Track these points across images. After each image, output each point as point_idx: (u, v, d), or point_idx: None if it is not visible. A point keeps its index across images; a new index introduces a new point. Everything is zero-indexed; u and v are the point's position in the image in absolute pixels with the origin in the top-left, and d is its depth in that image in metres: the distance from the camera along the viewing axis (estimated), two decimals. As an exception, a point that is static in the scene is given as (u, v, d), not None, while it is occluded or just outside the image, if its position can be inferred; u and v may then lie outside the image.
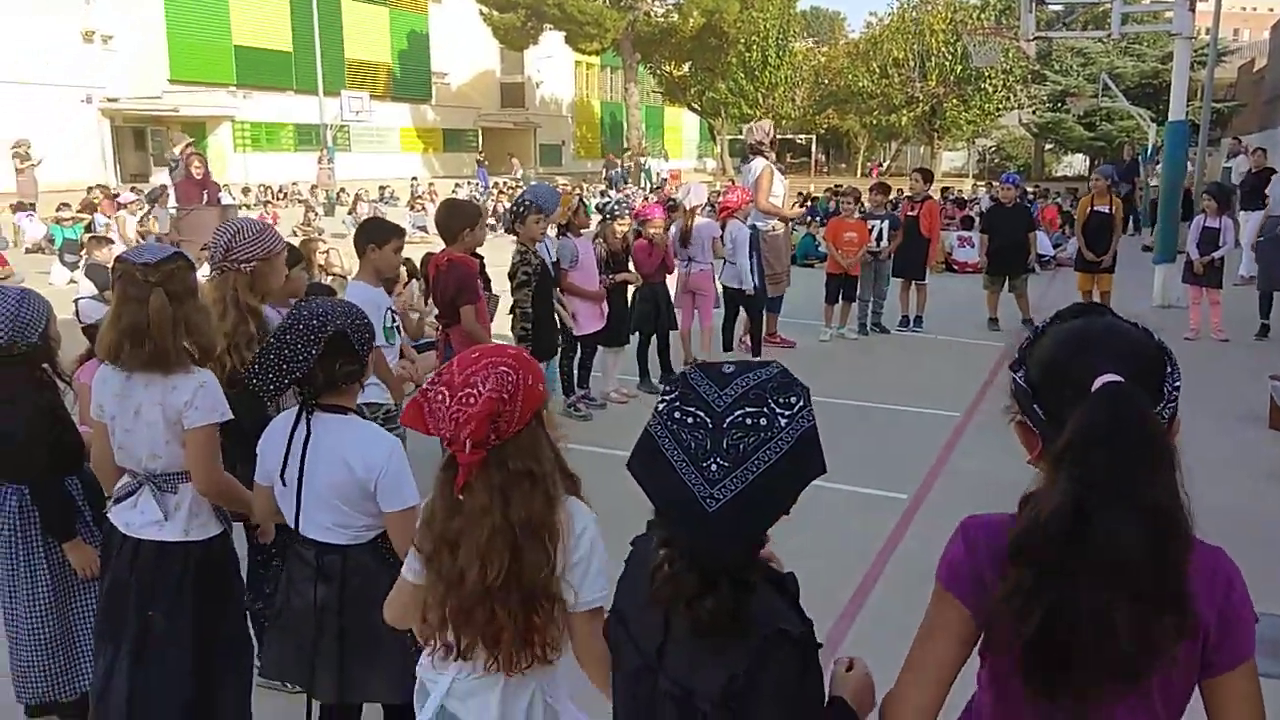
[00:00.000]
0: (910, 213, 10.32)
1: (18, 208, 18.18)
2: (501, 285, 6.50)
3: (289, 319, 2.45)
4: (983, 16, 37.06)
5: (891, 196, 10.72)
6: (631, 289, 7.56)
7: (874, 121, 44.30)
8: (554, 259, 6.63)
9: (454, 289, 5.37)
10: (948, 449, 6.44)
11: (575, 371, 7.22)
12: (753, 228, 8.38)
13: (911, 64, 41.47)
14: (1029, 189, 20.72)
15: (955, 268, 15.05)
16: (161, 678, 2.66)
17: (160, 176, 25.36)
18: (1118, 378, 1.29)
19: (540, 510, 1.81)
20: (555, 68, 47.62)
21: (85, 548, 3.05)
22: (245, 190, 27.32)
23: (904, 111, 42.22)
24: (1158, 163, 16.17)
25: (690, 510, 1.31)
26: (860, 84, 42.66)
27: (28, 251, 16.76)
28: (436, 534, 1.85)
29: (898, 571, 4.58)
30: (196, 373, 2.67)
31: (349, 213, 22.71)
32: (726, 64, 42.71)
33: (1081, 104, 32.34)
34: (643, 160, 37.79)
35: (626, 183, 33.45)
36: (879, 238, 9.88)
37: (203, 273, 3.43)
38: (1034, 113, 41.37)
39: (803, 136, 47.86)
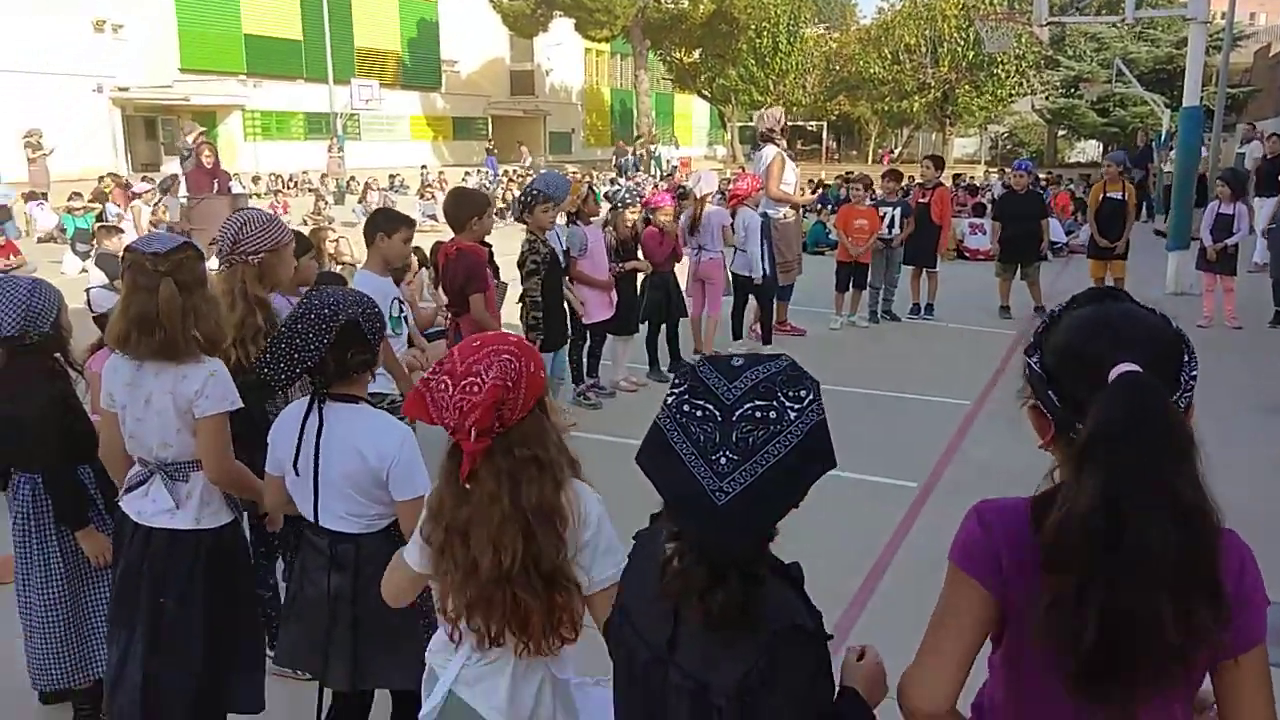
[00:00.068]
0: (921, 200, 10.27)
1: (29, 197, 18.26)
2: (510, 273, 6.49)
3: (300, 308, 2.45)
4: (995, 1, 36.75)
5: (904, 184, 10.65)
6: (641, 277, 7.54)
7: (885, 108, 44.07)
8: (564, 247, 6.63)
9: (463, 278, 5.37)
10: (958, 437, 6.42)
11: (585, 360, 7.21)
12: (764, 215, 8.35)
13: (923, 50, 41.19)
14: (1041, 175, 20.59)
15: (967, 255, 14.97)
16: (174, 664, 2.68)
17: (171, 165, 25.43)
18: (1135, 367, 1.29)
19: (550, 495, 1.82)
20: (565, 55, 47.47)
21: (98, 536, 3.08)
22: (255, 179, 27.36)
23: (916, 98, 41.97)
24: (1171, 149, 16.06)
25: (700, 504, 1.30)
26: (872, 70, 42.40)
27: (40, 241, 16.84)
28: (446, 524, 1.85)
29: (907, 560, 4.58)
30: (207, 362, 2.68)
31: (359, 201, 22.73)
32: (737, 50, 42.49)
33: (1095, 90, 32.14)
34: (653, 148, 37.68)
35: (638, 170, 33.37)
36: (891, 225, 9.84)
37: (211, 265, 3.44)
38: (1047, 99, 41.10)
39: (814, 123, 47.67)
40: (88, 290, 5.23)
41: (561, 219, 6.85)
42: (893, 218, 9.85)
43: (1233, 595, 1.33)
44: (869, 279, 9.94)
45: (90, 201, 17.36)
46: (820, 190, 19.19)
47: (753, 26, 41.71)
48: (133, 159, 30.32)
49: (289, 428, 2.49)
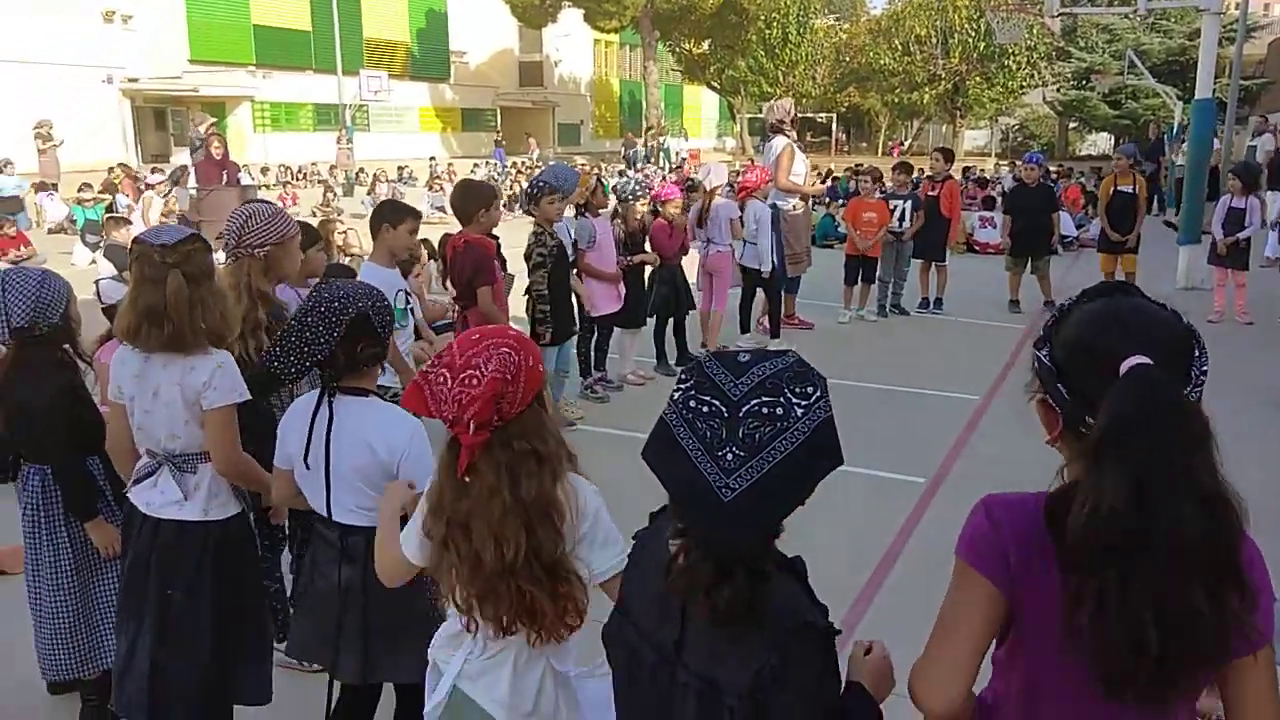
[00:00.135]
0: (931, 193, 10.22)
1: (40, 187, 18.32)
2: (517, 266, 6.49)
3: (310, 301, 2.44)
4: (1007, -8, 36.54)
5: (914, 176, 10.60)
6: (649, 270, 7.53)
7: (895, 100, 43.92)
8: (573, 239, 6.62)
9: (470, 270, 5.37)
10: (967, 432, 6.40)
11: (592, 353, 7.21)
12: (773, 206, 8.32)
13: (934, 41, 41.03)
14: (1052, 168, 20.50)
15: (976, 249, 14.90)
16: (182, 655, 2.69)
17: (181, 157, 25.45)
18: (1146, 360, 1.28)
19: (548, 488, 1.82)
20: (574, 46, 47.40)
21: (107, 527, 3.09)
22: (264, 170, 27.41)
23: (926, 89, 41.81)
24: (1184, 141, 15.96)
25: (706, 500, 1.30)
26: (882, 61, 42.26)
27: (50, 232, 16.90)
28: (447, 517, 1.86)
29: (915, 555, 4.57)
30: (214, 354, 2.68)
31: (368, 193, 22.75)
32: (746, 41, 42.39)
33: (1107, 82, 31.89)
34: (661, 140, 37.63)
35: (649, 161, 33.32)
36: (901, 218, 9.80)
37: (219, 258, 3.44)
38: (1058, 90, 40.90)
39: (823, 115, 47.51)
40: (97, 281, 5.26)
41: (570, 211, 6.84)
42: (903, 211, 9.81)
43: None
44: (878, 272, 9.90)
45: (100, 193, 17.40)
46: (831, 182, 19.12)
47: (762, 17, 41.60)
48: (142, 150, 30.41)
49: (298, 421, 2.49)
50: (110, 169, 19.91)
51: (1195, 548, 1.22)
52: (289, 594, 3.73)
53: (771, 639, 1.36)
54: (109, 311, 3.93)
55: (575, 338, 6.69)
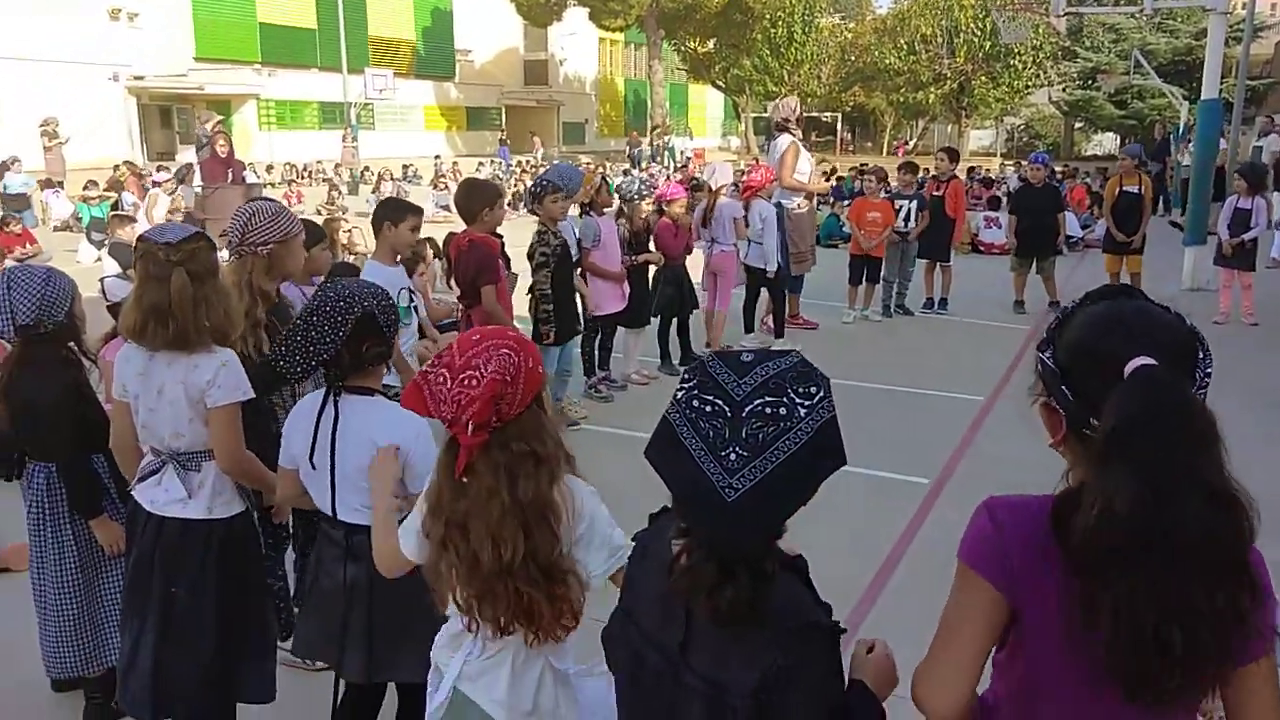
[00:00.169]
0: (936, 193, 10.19)
1: (45, 184, 18.36)
2: (521, 265, 6.49)
3: (316, 301, 2.45)
4: (1012, -8, 36.49)
5: (919, 176, 10.58)
6: (653, 269, 7.52)
7: (901, 99, 43.86)
8: (577, 238, 6.62)
9: (474, 269, 5.37)
10: (971, 433, 6.39)
11: (596, 353, 7.20)
12: (777, 205, 8.31)
13: (940, 40, 40.95)
14: (1058, 168, 20.46)
15: (981, 249, 14.87)
16: (185, 653, 2.69)
17: (186, 154, 25.52)
18: (1151, 361, 1.28)
19: (545, 490, 1.83)
20: (579, 45, 47.41)
21: (111, 524, 3.09)
22: (269, 168, 27.44)
23: (931, 89, 41.74)
24: (1189, 141, 15.91)
25: (709, 500, 1.30)
26: (887, 61, 42.19)
27: (56, 229, 16.94)
28: (446, 517, 1.87)
29: (918, 556, 4.56)
30: (218, 352, 2.68)
31: (373, 191, 22.76)
32: (751, 40, 42.34)
33: (1113, 81, 31.84)
34: (666, 139, 37.62)
35: (654, 161, 33.31)
36: (907, 218, 9.78)
37: (223, 256, 3.44)
38: (1064, 90, 40.83)
39: (828, 114, 47.47)
40: (102, 279, 5.26)
41: (574, 210, 6.84)
42: (908, 211, 9.79)
43: None
44: (883, 272, 9.89)
45: (106, 190, 17.44)
46: (836, 181, 19.09)
47: (767, 16, 41.55)
48: (148, 148, 30.46)
49: (304, 421, 2.50)
50: (115, 166, 19.95)
51: (1207, 546, 1.22)
52: (292, 592, 3.74)
53: (777, 639, 1.36)
54: (114, 309, 3.93)
55: (579, 337, 6.68)
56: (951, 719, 1.43)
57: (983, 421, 6.62)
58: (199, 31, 32.26)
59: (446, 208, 17.56)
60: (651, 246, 7.43)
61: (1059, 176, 18.05)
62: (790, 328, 8.84)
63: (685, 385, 1.39)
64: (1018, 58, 39.61)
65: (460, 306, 5.84)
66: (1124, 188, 10.02)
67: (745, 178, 8.49)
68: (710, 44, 44.31)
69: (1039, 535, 1.38)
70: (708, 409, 1.34)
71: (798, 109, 9.23)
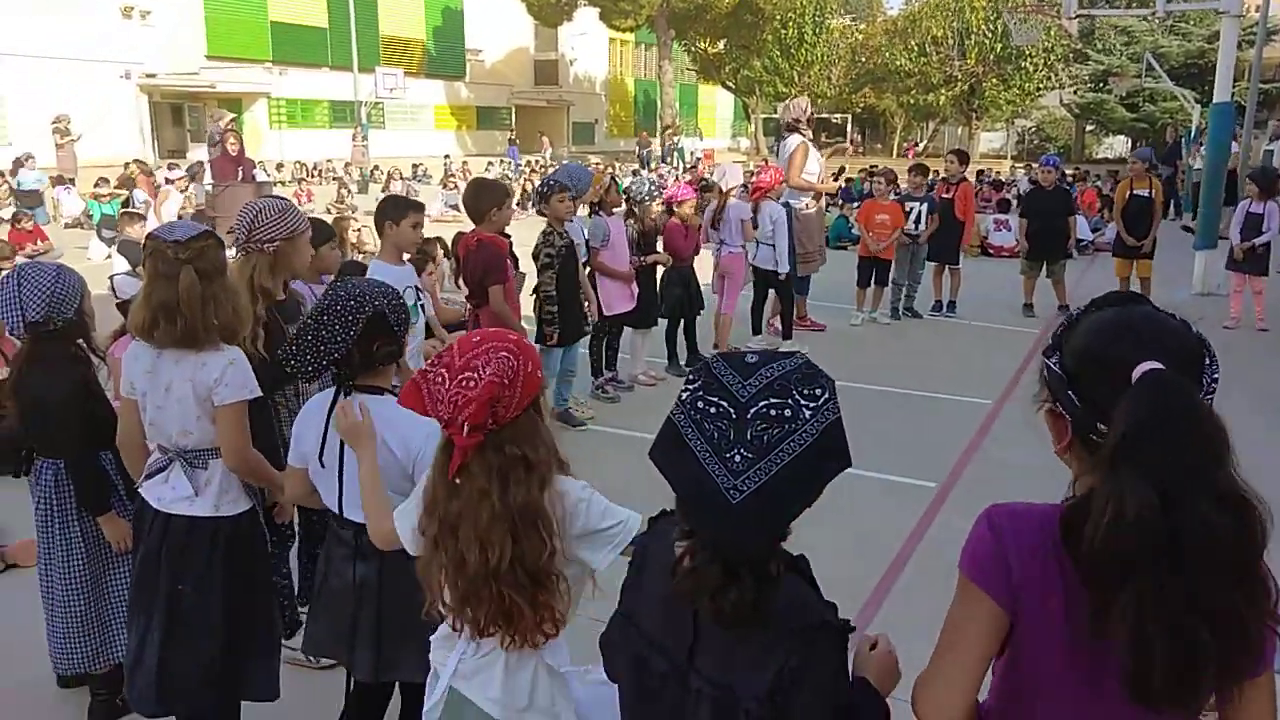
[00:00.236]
0: (945, 195, 10.17)
1: (57, 181, 18.45)
2: (529, 264, 6.49)
3: (326, 300, 2.45)
4: (1024, -6, 36.38)
5: (930, 178, 10.56)
6: (660, 270, 7.52)
7: (911, 101, 43.76)
8: (585, 238, 6.61)
9: (481, 270, 5.37)
10: (979, 437, 6.37)
11: (603, 353, 7.20)
12: (785, 205, 8.29)
13: (950, 42, 40.86)
14: (1068, 171, 20.39)
15: (990, 252, 14.84)
16: (191, 650, 2.70)
17: (198, 152, 25.62)
18: (1159, 365, 1.27)
19: (535, 496, 1.83)
20: (589, 45, 47.44)
21: (119, 521, 3.10)
22: (279, 167, 27.53)
23: (942, 91, 41.65)
24: (1201, 145, 15.85)
25: (714, 501, 1.30)
26: (898, 62, 42.12)
27: (66, 226, 17.01)
28: (439, 517, 1.88)
29: (925, 560, 4.55)
30: (226, 350, 2.69)
31: (382, 190, 22.81)
32: (762, 41, 42.32)
33: (1124, 84, 31.70)
34: (676, 139, 37.61)
35: (666, 161, 33.30)
36: (918, 221, 9.76)
37: (231, 255, 3.45)
38: (1075, 93, 40.68)
39: (838, 116, 47.37)
40: (111, 277, 5.29)
41: (583, 210, 6.83)
42: (918, 213, 9.77)
43: None
44: (893, 275, 9.87)
45: (116, 188, 17.51)
46: (845, 183, 19.07)
47: (778, 17, 41.53)
48: (159, 145, 30.59)
49: (314, 420, 2.50)
50: (126, 165, 20.03)
51: (1219, 549, 1.21)
52: (296, 590, 3.75)
53: (787, 640, 1.36)
54: (123, 307, 3.95)
55: (585, 338, 6.67)
56: None
57: (990, 426, 6.60)
58: (210, 30, 32.38)
59: (455, 207, 17.59)
60: (659, 247, 7.43)
61: (1070, 180, 18.01)
62: (798, 329, 8.82)
63: (690, 387, 1.39)
64: (1029, 60, 39.51)
65: (469, 306, 5.85)
66: (1134, 191, 9.99)
67: (754, 179, 8.48)
68: (720, 45, 44.30)
69: (1042, 544, 1.37)
70: (712, 410, 1.33)
71: (808, 110, 9.21)
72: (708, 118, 57.19)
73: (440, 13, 42.10)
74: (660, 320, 7.61)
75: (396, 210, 4.45)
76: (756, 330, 8.57)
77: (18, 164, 18.00)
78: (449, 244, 7.49)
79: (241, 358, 2.72)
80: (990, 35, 39.36)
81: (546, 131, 40.65)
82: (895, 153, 45.57)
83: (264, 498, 2.93)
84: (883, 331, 9.65)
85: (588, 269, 6.69)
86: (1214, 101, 11.94)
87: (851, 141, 46.86)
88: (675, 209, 7.56)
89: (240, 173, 13.62)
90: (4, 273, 3.04)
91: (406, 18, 40.19)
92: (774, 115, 36.19)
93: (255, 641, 2.82)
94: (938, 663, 1.45)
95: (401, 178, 24.77)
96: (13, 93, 25.65)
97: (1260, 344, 8.90)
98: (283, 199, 3.71)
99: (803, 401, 1.31)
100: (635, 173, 23.42)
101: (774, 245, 7.99)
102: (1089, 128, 44.97)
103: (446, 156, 30.17)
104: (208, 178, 15.05)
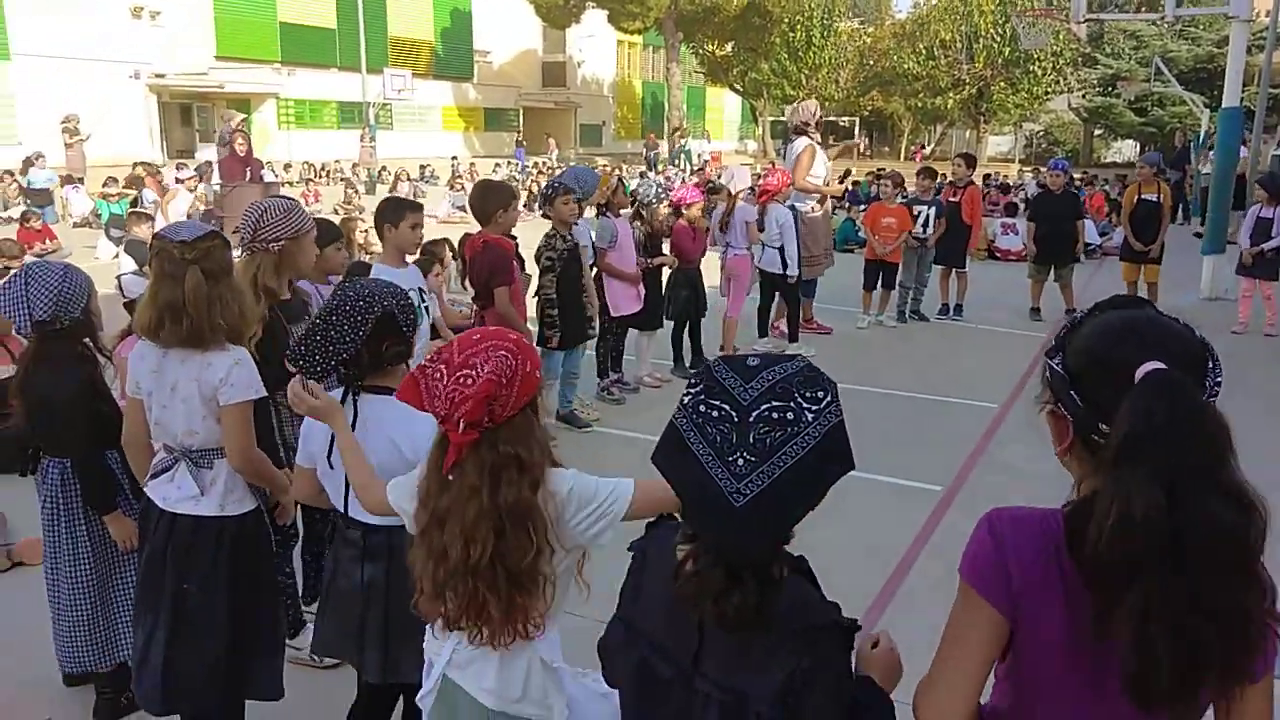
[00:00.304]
0: (952, 199, 10.15)
1: (66, 181, 18.53)
2: (535, 267, 6.50)
3: (335, 300, 2.45)
4: (1033, -3, 36.33)
5: (937, 181, 10.55)
6: (666, 272, 7.52)
7: (919, 104, 43.71)
8: (591, 240, 6.61)
9: (487, 271, 5.38)
10: (985, 440, 6.36)
11: (609, 355, 7.19)
12: (791, 208, 8.29)
13: (959, 45, 40.80)
14: (1076, 175, 20.36)
15: (998, 255, 14.81)
16: (196, 650, 2.71)
17: (206, 152, 25.74)
18: (1162, 365, 1.27)
19: (526, 496, 1.83)
20: (597, 47, 47.45)
21: (125, 520, 3.11)
22: (287, 167, 27.59)
23: (950, 94, 41.59)
24: (1210, 149, 15.81)
25: (717, 505, 1.30)
26: (906, 66, 42.07)
27: (75, 225, 17.08)
28: (431, 509, 1.89)
29: (930, 563, 4.54)
30: (231, 350, 2.70)
31: (390, 191, 22.85)
32: (770, 44, 42.28)
33: (1133, 88, 31.70)
34: (683, 141, 37.61)
35: (674, 163, 33.30)
36: (925, 224, 9.74)
37: (237, 255, 3.46)
38: (1084, 97, 40.63)
39: (846, 119, 47.36)
40: (119, 276, 5.30)
41: (591, 211, 6.82)
42: (926, 217, 9.75)
43: None
44: (900, 278, 9.85)
45: (125, 188, 17.58)
46: (852, 186, 19.05)
47: (786, 20, 41.48)
48: (168, 145, 30.70)
49: None
50: (134, 165, 20.11)
51: (1222, 548, 1.21)
52: (300, 590, 3.75)
53: (792, 641, 1.36)
54: (130, 306, 3.96)
55: (589, 341, 6.65)
56: None
57: (996, 429, 6.59)
58: (220, 30, 32.46)
59: (463, 208, 17.61)
60: (665, 249, 7.43)
61: (1078, 184, 17.97)
62: (804, 332, 8.81)
63: (692, 390, 1.39)
64: (1037, 64, 39.44)
65: (475, 307, 5.85)
66: (1143, 196, 9.97)
67: (761, 181, 8.48)
68: (728, 47, 44.26)
69: (1043, 549, 1.37)
70: (715, 414, 1.33)
71: (818, 113, 9.21)
72: (715, 120, 57.17)
73: (449, 14, 42.16)
74: (666, 322, 7.61)
75: (395, 213, 4.43)
76: (763, 333, 8.56)
77: (28, 163, 18.09)
78: (456, 245, 7.50)
79: (247, 358, 2.73)
80: (999, 39, 39.30)
81: (554, 133, 40.69)
82: (903, 156, 45.51)
83: (267, 497, 2.94)
84: (889, 335, 9.64)
85: (594, 270, 6.69)
86: (1223, 106, 11.92)
87: (859, 145, 46.88)
88: (684, 211, 7.56)
89: (248, 173, 13.67)
90: (12, 272, 3.05)
91: (415, 19, 40.25)
92: (782, 118, 36.21)
93: (260, 641, 2.82)
94: (939, 668, 1.44)
95: (409, 179, 24.82)
96: (23, 92, 25.77)
97: (1268, 347, 8.85)
98: (288, 199, 3.71)
99: (805, 404, 1.31)
100: (642, 175, 23.43)
101: (781, 248, 7.99)
102: (1097, 132, 44.91)
103: (454, 158, 30.23)
104: (215, 178, 15.10)
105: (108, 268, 10.23)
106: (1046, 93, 41.54)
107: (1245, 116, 13.76)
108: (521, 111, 45.72)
